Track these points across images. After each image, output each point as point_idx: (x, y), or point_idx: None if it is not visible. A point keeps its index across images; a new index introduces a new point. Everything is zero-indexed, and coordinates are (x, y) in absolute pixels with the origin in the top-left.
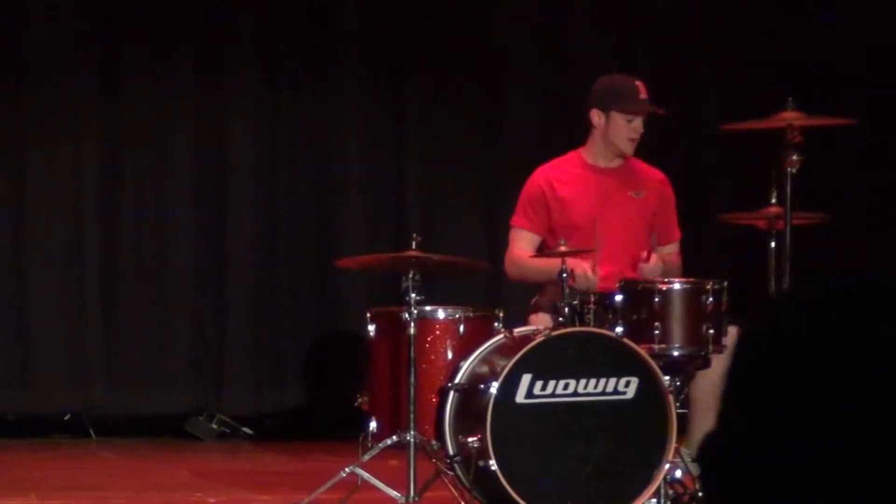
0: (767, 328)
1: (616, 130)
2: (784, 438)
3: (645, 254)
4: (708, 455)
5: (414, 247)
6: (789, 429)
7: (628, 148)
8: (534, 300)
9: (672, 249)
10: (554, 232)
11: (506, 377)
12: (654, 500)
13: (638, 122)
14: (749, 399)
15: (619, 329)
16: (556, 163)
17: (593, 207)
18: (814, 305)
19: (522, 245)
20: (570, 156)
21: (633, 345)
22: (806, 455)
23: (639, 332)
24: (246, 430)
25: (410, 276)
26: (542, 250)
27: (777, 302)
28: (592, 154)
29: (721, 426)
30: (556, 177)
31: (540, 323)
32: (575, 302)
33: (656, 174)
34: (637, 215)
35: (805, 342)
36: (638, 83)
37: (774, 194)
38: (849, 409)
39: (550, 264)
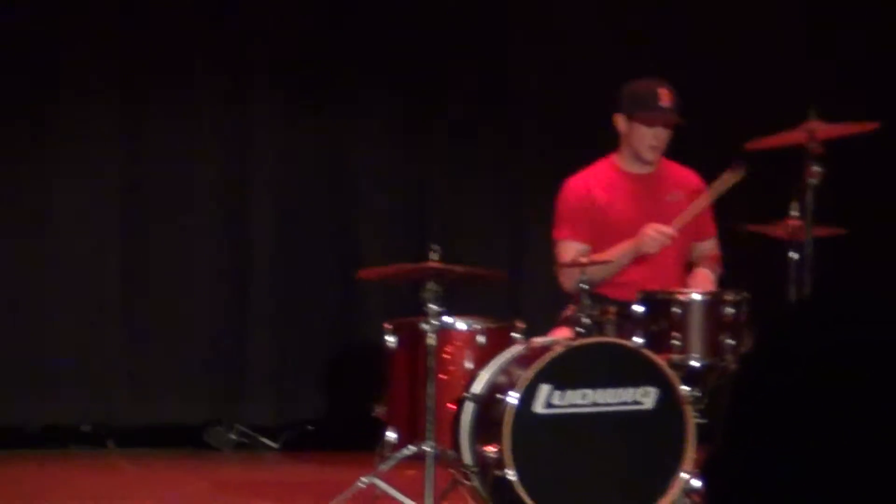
0: (771, 347)
1: (638, 137)
2: (787, 455)
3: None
4: (713, 471)
5: (434, 257)
6: (792, 445)
7: (650, 155)
8: (564, 314)
9: (709, 246)
10: (594, 241)
11: (524, 387)
12: None
13: (660, 130)
14: (753, 415)
15: (638, 339)
16: (589, 172)
17: (633, 214)
18: (818, 323)
19: (572, 255)
20: (602, 163)
21: (652, 355)
22: (809, 471)
23: (658, 342)
24: (264, 440)
25: (430, 286)
26: None
27: (781, 320)
28: (624, 160)
29: (726, 442)
30: (594, 186)
31: (562, 336)
32: (595, 312)
33: (689, 177)
34: (675, 219)
35: (809, 359)
36: (661, 90)
37: (796, 206)
38: (854, 426)
39: (610, 258)
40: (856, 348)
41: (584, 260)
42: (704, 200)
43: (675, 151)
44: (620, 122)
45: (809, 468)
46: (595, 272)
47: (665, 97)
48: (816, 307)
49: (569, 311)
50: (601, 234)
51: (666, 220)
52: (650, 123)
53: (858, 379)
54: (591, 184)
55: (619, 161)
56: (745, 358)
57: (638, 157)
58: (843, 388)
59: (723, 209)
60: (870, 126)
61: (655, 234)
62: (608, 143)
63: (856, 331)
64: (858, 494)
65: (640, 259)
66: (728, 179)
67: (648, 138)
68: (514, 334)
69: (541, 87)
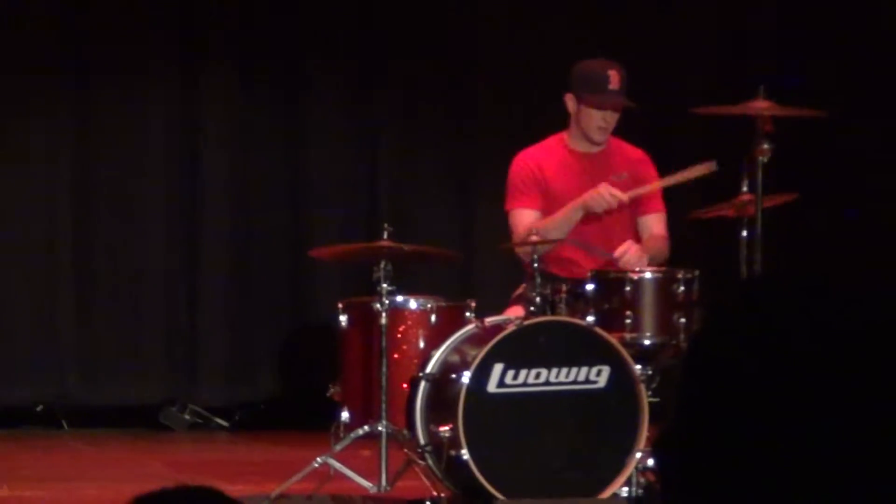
0: (721, 325)
1: (586, 119)
2: (737, 433)
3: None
4: (664, 448)
5: (386, 236)
6: (741, 423)
7: (597, 136)
8: (517, 292)
9: (654, 221)
10: (542, 214)
11: (477, 367)
12: (625, 489)
13: (608, 113)
14: (703, 393)
15: (590, 318)
16: (539, 147)
17: (579, 193)
18: (768, 301)
19: (528, 222)
20: (552, 140)
21: (604, 334)
22: (758, 449)
23: (610, 320)
24: (219, 420)
25: (382, 265)
26: None
27: (731, 298)
28: (573, 138)
29: (677, 420)
30: (543, 161)
31: (514, 314)
32: (547, 291)
33: (635, 153)
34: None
35: (758, 338)
36: (611, 72)
37: (746, 183)
38: (803, 404)
39: (564, 214)
40: (805, 326)
41: (534, 238)
42: (666, 180)
43: (624, 125)
44: (570, 101)
45: (758, 446)
46: (548, 232)
47: (615, 80)
48: (766, 285)
49: (521, 290)
50: (547, 209)
51: None
52: (599, 107)
53: (808, 357)
54: (540, 159)
55: (568, 139)
56: (695, 336)
57: (586, 138)
58: (792, 366)
59: (672, 193)
60: (818, 114)
61: (606, 193)
62: (558, 121)
63: (806, 309)
64: (807, 472)
65: (591, 240)
66: (697, 170)
67: (597, 120)
68: (466, 313)
69: (490, 66)
